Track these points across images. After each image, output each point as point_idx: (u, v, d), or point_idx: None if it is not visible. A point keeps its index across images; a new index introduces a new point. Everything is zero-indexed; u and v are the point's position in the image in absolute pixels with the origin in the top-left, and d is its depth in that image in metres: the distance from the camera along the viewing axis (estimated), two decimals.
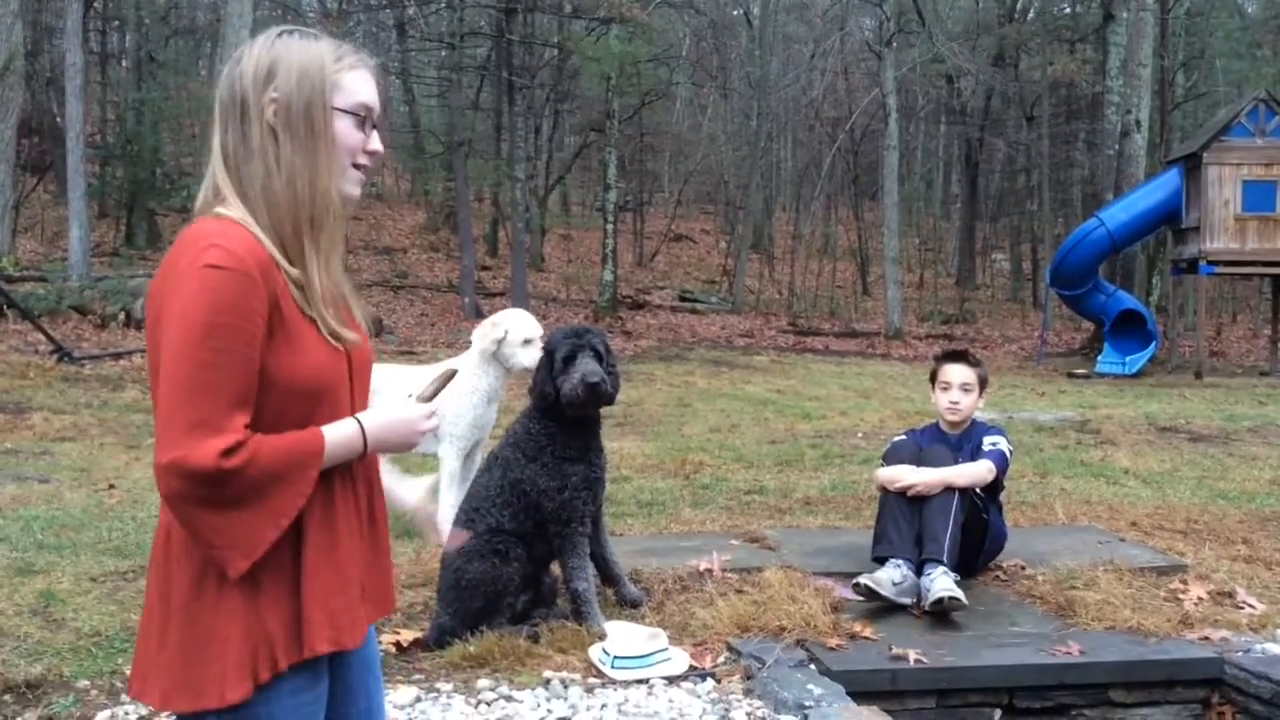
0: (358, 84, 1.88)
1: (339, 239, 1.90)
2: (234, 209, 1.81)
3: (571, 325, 4.17)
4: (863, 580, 4.30)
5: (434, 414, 1.97)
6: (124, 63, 29.11)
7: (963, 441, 4.81)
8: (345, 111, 1.86)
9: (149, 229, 24.24)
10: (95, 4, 25.21)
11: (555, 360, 4.00)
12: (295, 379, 1.79)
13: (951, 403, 4.86)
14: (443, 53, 24.24)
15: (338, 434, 1.82)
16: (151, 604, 1.83)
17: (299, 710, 1.83)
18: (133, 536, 5.61)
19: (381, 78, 1.96)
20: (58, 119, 23.38)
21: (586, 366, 3.90)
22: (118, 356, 13.62)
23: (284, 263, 1.80)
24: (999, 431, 4.89)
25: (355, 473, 1.92)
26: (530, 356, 4.82)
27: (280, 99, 1.81)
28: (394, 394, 4.59)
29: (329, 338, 1.84)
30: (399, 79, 26.52)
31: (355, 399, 1.93)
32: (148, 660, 1.82)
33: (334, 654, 1.88)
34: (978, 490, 4.64)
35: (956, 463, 4.63)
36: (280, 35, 1.87)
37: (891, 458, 4.76)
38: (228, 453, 1.68)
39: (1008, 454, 4.77)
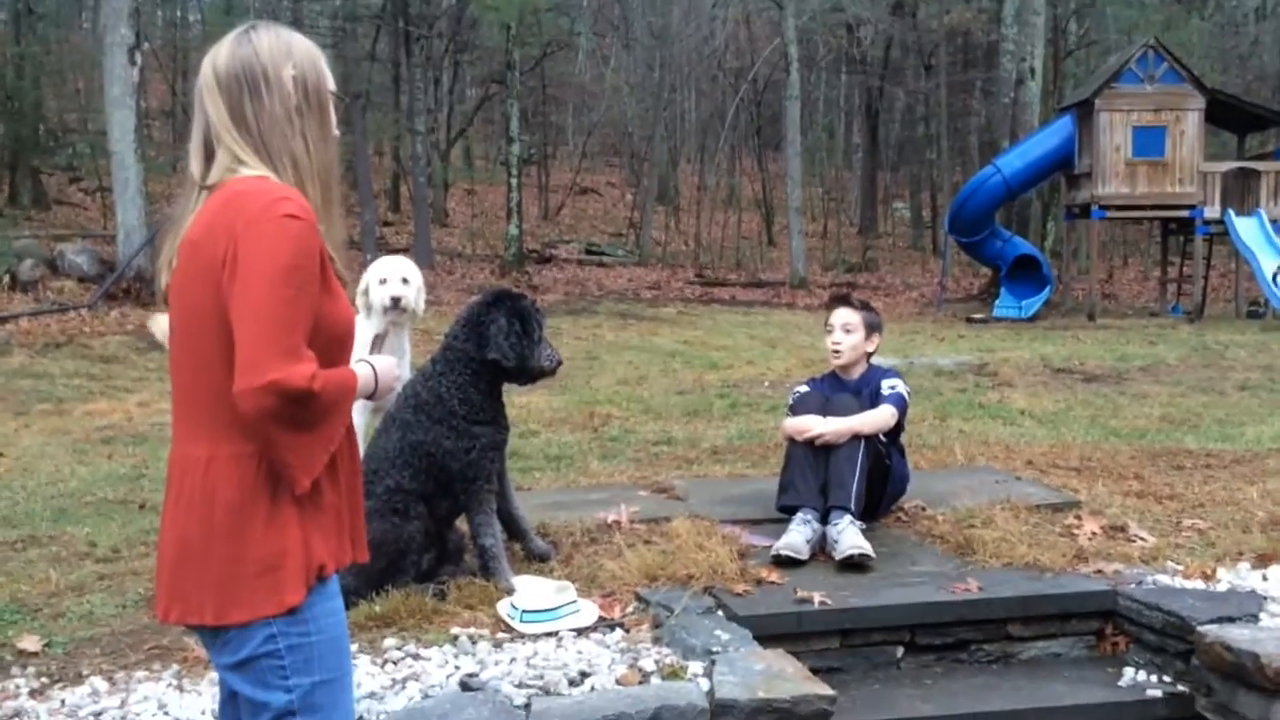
0: (328, 71, 2.18)
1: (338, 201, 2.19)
2: (261, 170, 2.04)
3: (528, 295, 4.17)
4: (782, 552, 4.33)
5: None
6: (1, 15, 27.83)
7: (861, 386, 4.87)
8: (332, 94, 2.17)
9: (33, 188, 23.32)
10: None
11: (533, 327, 3.99)
12: (337, 324, 2.06)
13: (834, 344, 4.93)
14: (336, 1, 23.63)
15: (363, 373, 2.11)
16: (186, 533, 1.99)
17: (337, 614, 2.09)
18: (22, 505, 5.44)
19: None
20: None
21: (550, 345, 4.09)
22: (3, 321, 13.15)
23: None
24: (896, 375, 4.96)
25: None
26: (379, 296, 4.83)
27: (298, 76, 2.08)
28: None
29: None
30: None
31: None
32: (188, 583, 1.99)
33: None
34: (881, 436, 4.70)
35: (861, 410, 4.69)
36: (271, 26, 2.13)
37: (799, 408, 4.79)
38: (314, 376, 1.93)
39: (906, 396, 4.83)
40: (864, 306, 4.99)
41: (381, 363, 2.21)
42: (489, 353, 3.94)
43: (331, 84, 2.18)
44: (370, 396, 2.20)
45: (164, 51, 30.70)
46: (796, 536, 4.38)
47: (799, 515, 4.49)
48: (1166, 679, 3.78)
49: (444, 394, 3.96)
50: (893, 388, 4.81)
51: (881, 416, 4.68)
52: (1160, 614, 3.82)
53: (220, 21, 28.82)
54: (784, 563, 4.31)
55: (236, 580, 1.97)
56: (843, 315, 4.93)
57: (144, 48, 15.87)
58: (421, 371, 4.10)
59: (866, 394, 4.81)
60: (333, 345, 2.06)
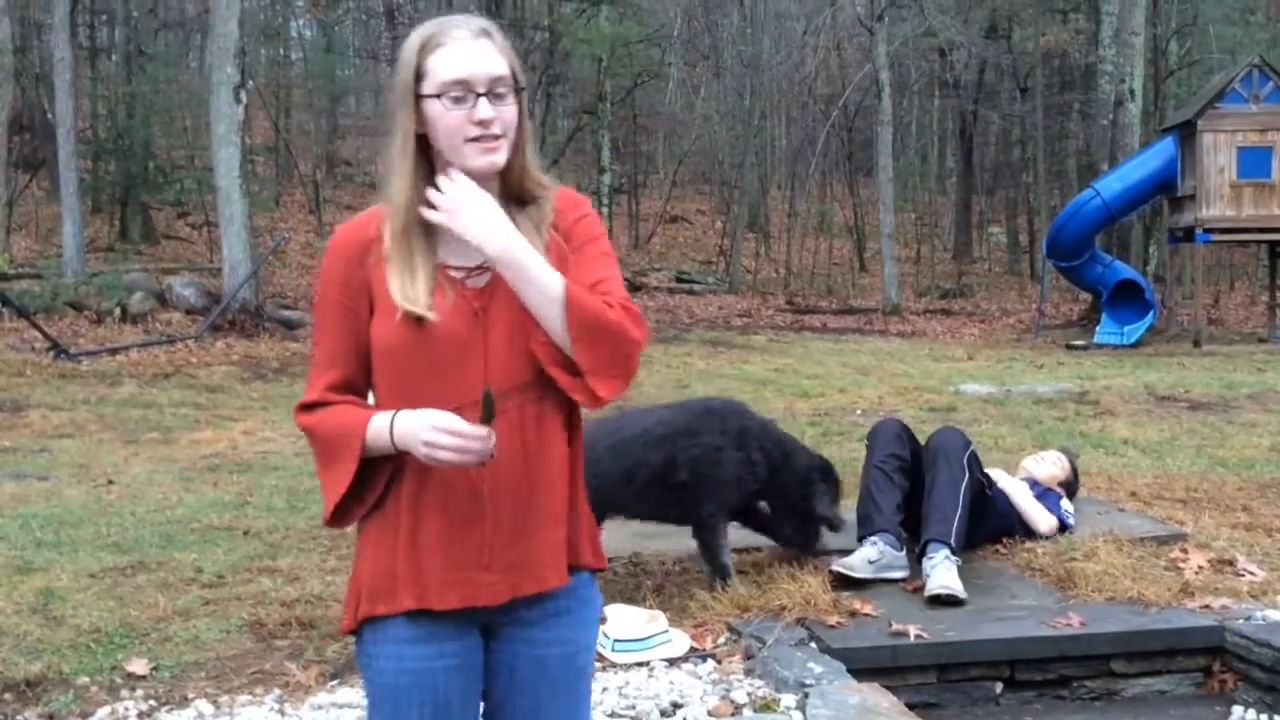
0: (442, 64, 1.85)
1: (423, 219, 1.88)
2: None
3: None
4: (835, 567, 4.31)
5: (434, 444, 1.79)
6: (113, 57, 28.92)
7: (1032, 485, 5.06)
8: (432, 96, 1.86)
9: (143, 224, 24.17)
10: None
11: None
12: (380, 343, 1.89)
13: (1038, 459, 5.23)
14: None
15: (376, 422, 1.85)
16: None
17: (403, 660, 1.89)
18: (132, 532, 5.60)
19: (495, 38, 1.90)
20: (48, 115, 23.25)
21: None
22: (114, 352, 13.60)
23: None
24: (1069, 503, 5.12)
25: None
26: None
27: (390, 96, 1.92)
28: None
29: (408, 313, 1.85)
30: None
31: (491, 365, 1.85)
32: None
33: (497, 631, 1.94)
34: (982, 472, 4.67)
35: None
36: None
37: (877, 436, 4.82)
38: (302, 409, 1.93)
39: (1071, 522, 4.97)
40: (1076, 473, 5.28)
41: (417, 420, 1.81)
42: None
43: (434, 80, 1.86)
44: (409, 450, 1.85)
45: (267, 89, 31.64)
46: (857, 557, 4.36)
47: (867, 540, 4.46)
48: (1278, 718, 3.65)
49: None
50: (1069, 511, 4.98)
51: (1045, 515, 4.88)
52: (1271, 651, 3.70)
53: (321, 60, 29.64)
54: (839, 580, 4.28)
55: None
56: (1059, 460, 5.20)
57: (248, 86, 16.36)
58: None
59: (1034, 490, 4.98)
60: (381, 368, 1.92)
